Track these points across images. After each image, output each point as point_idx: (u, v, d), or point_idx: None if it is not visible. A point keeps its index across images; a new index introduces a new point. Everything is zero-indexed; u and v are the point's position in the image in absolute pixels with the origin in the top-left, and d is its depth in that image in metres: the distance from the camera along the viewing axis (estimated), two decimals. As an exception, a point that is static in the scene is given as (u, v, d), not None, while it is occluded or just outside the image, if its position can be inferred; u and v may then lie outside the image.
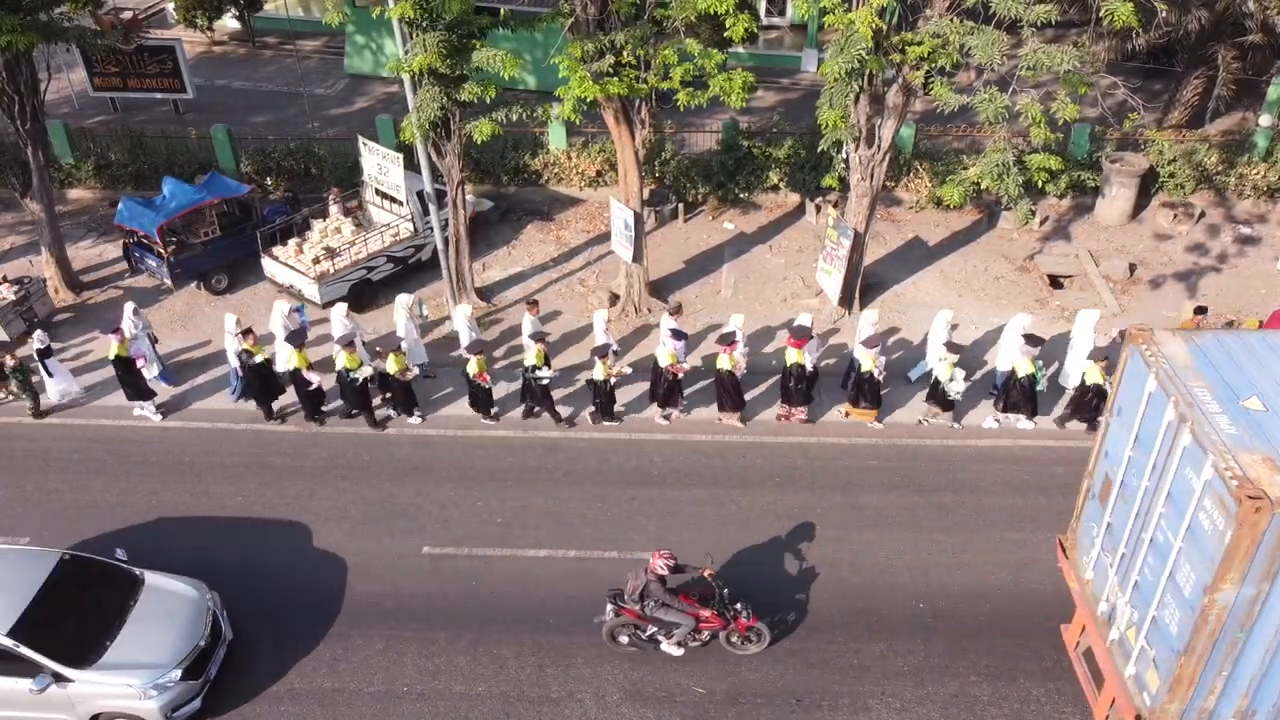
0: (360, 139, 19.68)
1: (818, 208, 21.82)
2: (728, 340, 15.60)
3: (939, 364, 15.63)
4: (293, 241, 19.51)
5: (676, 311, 17.08)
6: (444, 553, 14.04)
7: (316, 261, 18.83)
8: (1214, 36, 22.19)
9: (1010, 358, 15.88)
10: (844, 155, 17.41)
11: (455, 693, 12.14)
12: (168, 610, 12.18)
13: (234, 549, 14.12)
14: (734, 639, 12.38)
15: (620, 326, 18.64)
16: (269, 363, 16.15)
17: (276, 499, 14.99)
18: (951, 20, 13.83)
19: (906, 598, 13.30)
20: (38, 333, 16.70)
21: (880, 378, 15.71)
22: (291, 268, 18.89)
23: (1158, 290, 19.69)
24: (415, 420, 16.44)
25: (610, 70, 15.38)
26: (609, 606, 12.26)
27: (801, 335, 15.57)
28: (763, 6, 29.36)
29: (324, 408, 16.48)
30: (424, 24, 15.75)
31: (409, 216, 19.61)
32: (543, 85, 24.74)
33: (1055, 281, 20.17)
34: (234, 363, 16.45)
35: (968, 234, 21.61)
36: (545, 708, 11.97)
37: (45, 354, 16.44)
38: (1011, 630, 12.82)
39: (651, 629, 12.24)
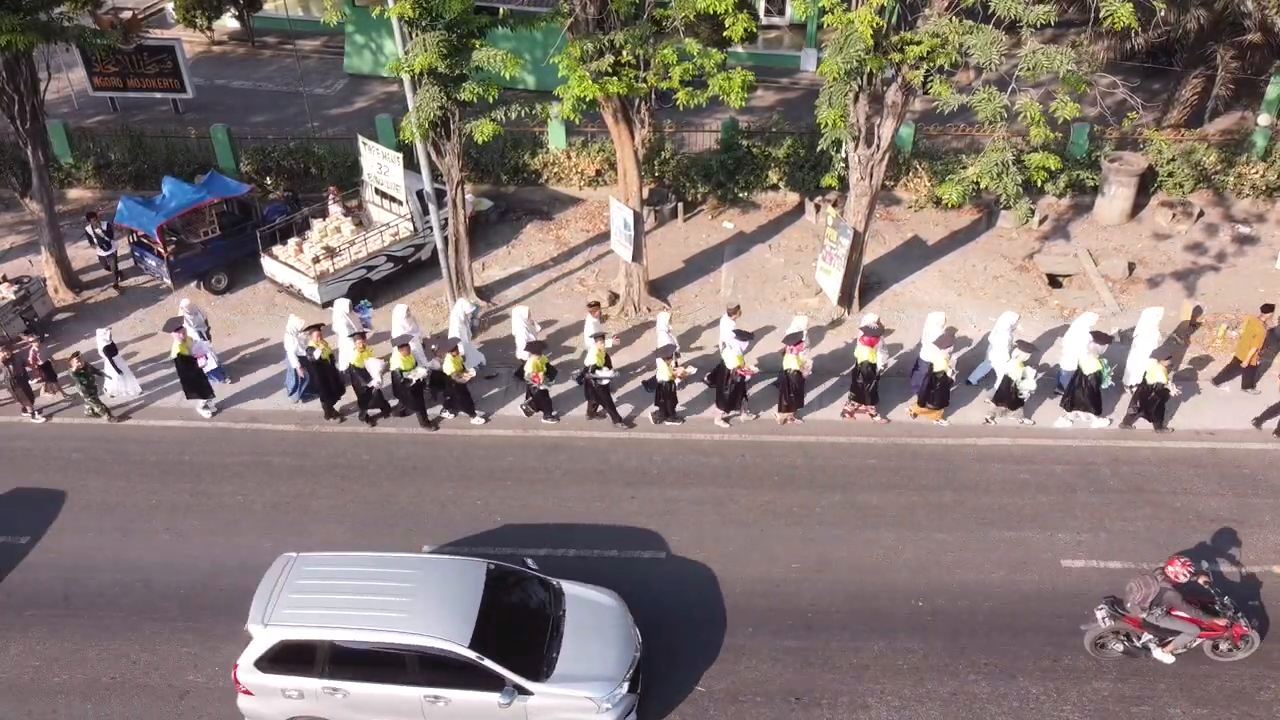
0: (360, 138, 19.70)
1: (817, 207, 21.83)
2: (794, 340, 15.53)
3: (1009, 363, 15.54)
4: (292, 241, 19.53)
5: (735, 312, 16.82)
6: (444, 552, 14.05)
7: (316, 261, 18.84)
8: (1213, 36, 22.20)
9: (1076, 355, 15.82)
10: (843, 155, 17.40)
11: (455, 691, 12.15)
12: (596, 621, 11.84)
13: (228, 548, 14.12)
14: (1223, 646, 12.08)
15: (616, 324, 18.66)
16: (331, 360, 16.06)
17: (276, 498, 15.00)
18: (951, 20, 13.83)
19: (905, 596, 13.31)
20: (101, 330, 16.74)
21: (953, 377, 15.68)
22: (291, 267, 18.90)
23: (1157, 289, 19.71)
24: (478, 421, 16.32)
25: (609, 70, 15.39)
26: (1102, 613, 12.05)
27: (873, 333, 15.57)
28: (762, 6, 29.36)
29: (372, 410, 16.39)
30: (424, 23, 15.75)
31: (409, 216, 19.62)
32: (542, 85, 24.74)
33: (1054, 281, 20.18)
34: (293, 363, 16.35)
35: (967, 233, 21.63)
36: (545, 706, 11.98)
37: (111, 351, 16.52)
38: (1011, 628, 12.83)
39: (1146, 637, 12.00)
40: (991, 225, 21.81)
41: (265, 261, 19.35)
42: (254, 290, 19.98)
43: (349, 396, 16.60)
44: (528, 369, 15.75)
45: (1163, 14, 14.38)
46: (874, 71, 15.25)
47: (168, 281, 19.37)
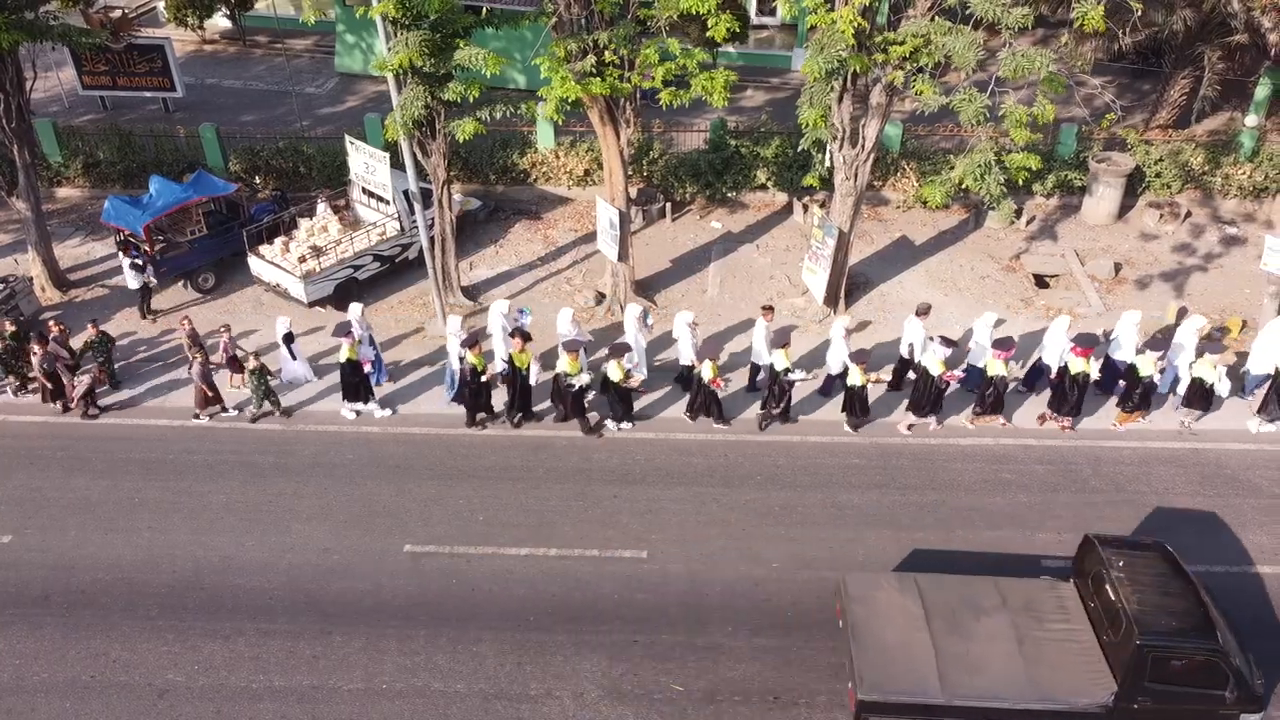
0: (347, 138, 19.69)
1: (805, 207, 21.85)
2: (1005, 346, 15.41)
3: (1199, 365, 15.43)
4: (279, 240, 19.53)
5: (925, 312, 16.60)
6: (425, 551, 14.07)
7: (302, 260, 18.84)
8: (1201, 37, 22.22)
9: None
10: (827, 154, 17.41)
11: (434, 690, 12.17)
12: None
13: (214, 546, 14.15)
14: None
15: (600, 324, 18.68)
16: (482, 371, 15.88)
17: (259, 497, 15.01)
18: (933, 20, 13.85)
19: (886, 596, 13.32)
20: (281, 317, 16.97)
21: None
22: (277, 266, 18.91)
23: (1143, 290, 19.74)
24: (628, 426, 16.21)
25: (593, 70, 15.40)
26: None
27: (1088, 344, 15.40)
28: (753, 6, 29.37)
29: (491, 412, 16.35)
30: (407, 22, 15.76)
31: (396, 215, 19.63)
32: (532, 84, 24.70)
33: (1041, 281, 20.21)
34: (455, 365, 16.27)
35: (954, 233, 21.65)
36: (524, 705, 12.00)
37: (289, 339, 16.76)
38: (990, 628, 12.84)
39: None
40: (979, 225, 21.84)
41: (251, 261, 19.35)
42: (241, 289, 19.98)
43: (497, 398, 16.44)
44: (706, 374, 15.55)
45: (1138, 14, 14.30)
46: (858, 71, 15.24)
47: (154, 280, 19.32)
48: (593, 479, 15.31)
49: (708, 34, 14.80)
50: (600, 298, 19.44)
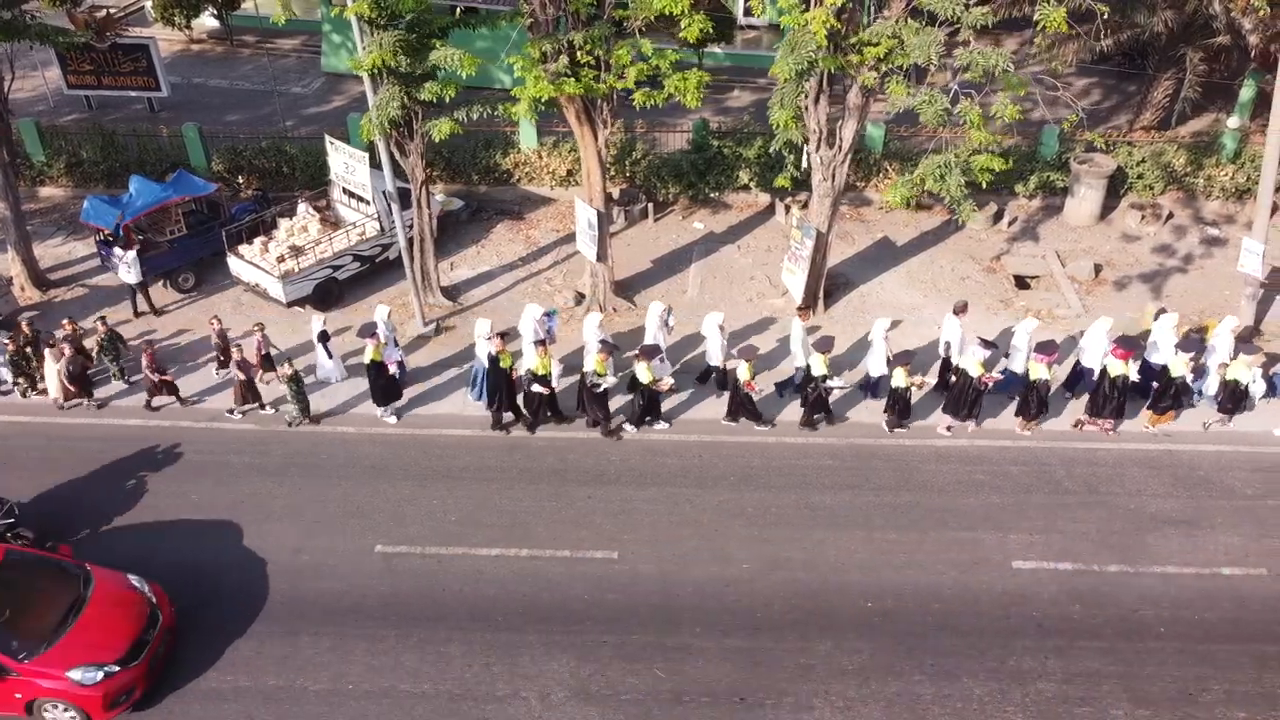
0: (327, 138, 19.69)
1: (787, 208, 21.84)
2: (1048, 350, 15.42)
3: (1234, 366, 15.46)
4: (259, 240, 19.52)
5: (963, 310, 16.54)
6: (397, 551, 14.06)
7: (281, 260, 18.83)
8: (1184, 38, 22.22)
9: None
10: (795, 156, 17.40)
11: (401, 691, 12.17)
12: None
13: (187, 546, 14.13)
14: None
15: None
16: (509, 371, 15.87)
17: (233, 497, 15.00)
18: (902, 22, 13.85)
19: (856, 597, 13.33)
20: (316, 315, 17.02)
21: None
22: (256, 266, 18.89)
23: (1122, 291, 19.74)
24: (662, 426, 16.15)
25: (567, 70, 15.40)
26: None
27: (1129, 346, 15.42)
28: (740, 6, 29.33)
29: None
30: (382, 22, 15.75)
31: (375, 215, 19.62)
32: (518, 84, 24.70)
33: (1021, 282, 20.21)
34: (484, 363, 16.10)
35: (936, 234, 21.65)
36: (490, 706, 11.99)
37: (324, 338, 16.82)
38: (959, 629, 12.86)
39: None
40: (962, 226, 21.81)
41: (231, 260, 19.33)
42: (222, 289, 19.96)
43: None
44: (742, 374, 15.51)
45: (1103, 17, 14.28)
46: (831, 72, 15.24)
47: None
48: (567, 479, 15.31)
49: (681, 35, 14.78)
50: (580, 298, 19.44)
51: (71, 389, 16.47)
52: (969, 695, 12.04)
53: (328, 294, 19.18)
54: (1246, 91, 22.82)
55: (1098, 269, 20.21)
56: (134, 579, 12.83)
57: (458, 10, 16.97)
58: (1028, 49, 14.18)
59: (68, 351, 16.19)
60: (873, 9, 15.57)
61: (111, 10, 28.56)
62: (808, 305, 18.79)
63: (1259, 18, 19.73)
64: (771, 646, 12.67)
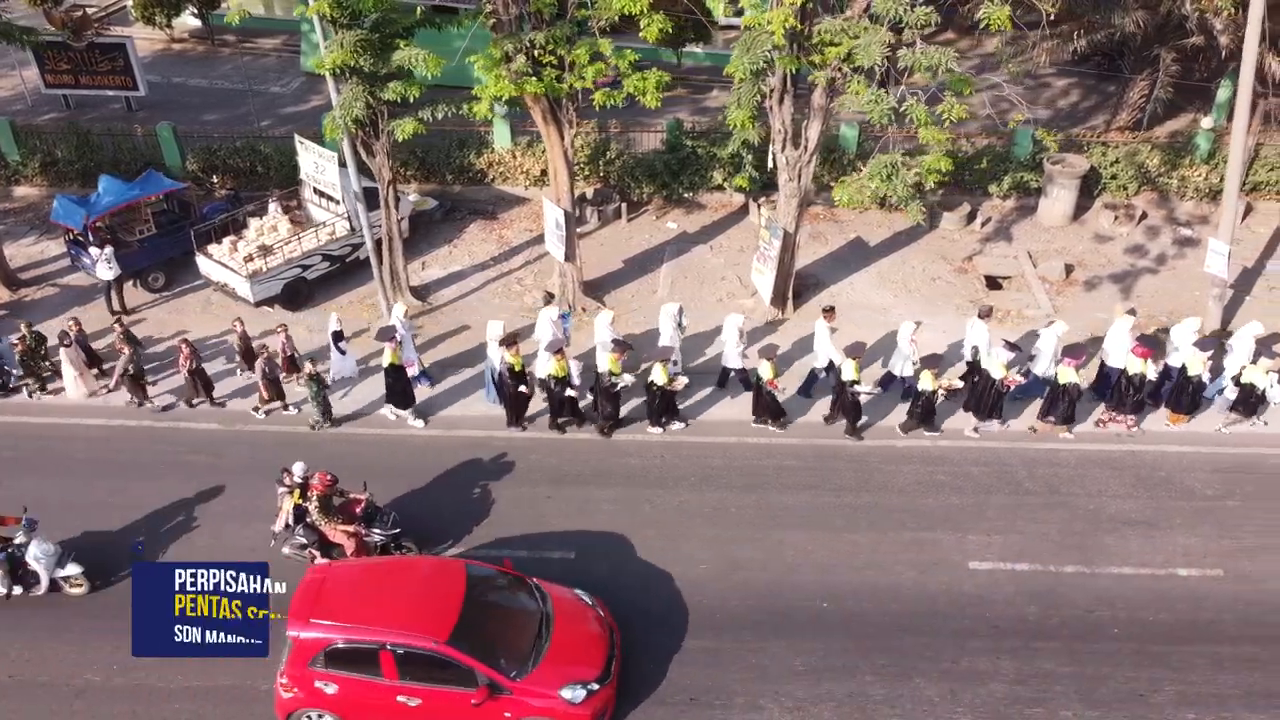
0: (297, 137, 19.68)
1: (760, 208, 21.81)
2: (1075, 353, 15.46)
3: (1250, 370, 15.44)
4: (228, 239, 19.50)
5: (988, 314, 16.53)
6: (353, 551, 14.03)
7: (249, 259, 18.82)
8: (1158, 39, 22.21)
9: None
10: (768, 156, 17.40)
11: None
12: None
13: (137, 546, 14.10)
14: None
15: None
16: (523, 372, 15.84)
17: (190, 497, 14.95)
18: (854, 21, 13.84)
19: (812, 597, 13.32)
20: (332, 314, 17.15)
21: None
22: (225, 265, 18.88)
23: (1092, 291, 19.73)
24: (678, 426, 16.13)
25: (529, 70, 15.38)
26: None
27: (1150, 345, 15.47)
28: (721, 6, 29.29)
29: (563, 419, 16.25)
30: (345, 22, 15.74)
31: (345, 215, 19.60)
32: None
33: (993, 282, 20.19)
34: (498, 367, 16.10)
35: (910, 234, 21.61)
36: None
37: (339, 337, 16.85)
38: (914, 630, 12.85)
39: None
40: (935, 227, 21.81)
41: (200, 260, 19.31)
42: (192, 289, 19.95)
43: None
44: (764, 373, 15.47)
45: (1049, 17, 14.27)
46: (790, 72, 15.23)
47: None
48: (529, 479, 15.29)
49: (641, 34, 14.77)
50: (549, 298, 19.36)
51: (140, 385, 16.48)
52: (920, 696, 12.03)
53: (296, 294, 19.17)
54: (1223, 92, 22.79)
55: (1069, 269, 20.20)
56: (581, 593, 12.63)
57: (419, 10, 16.86)
58: (941, 48, 14.04)
59: (126, 350, 16.15)
60: (836, 9, 15.45)
61: (90, 10, 28.59)
62: (775, 304, 18.83)
63: (1228, 18, 19.71)
64: (728, 646, 12.65)
